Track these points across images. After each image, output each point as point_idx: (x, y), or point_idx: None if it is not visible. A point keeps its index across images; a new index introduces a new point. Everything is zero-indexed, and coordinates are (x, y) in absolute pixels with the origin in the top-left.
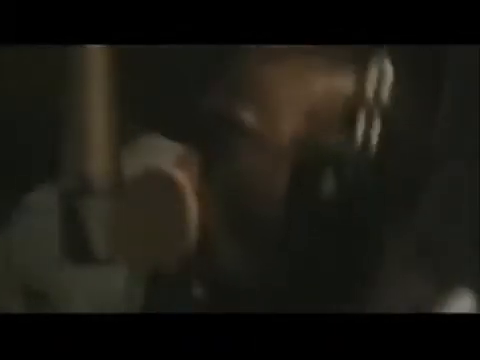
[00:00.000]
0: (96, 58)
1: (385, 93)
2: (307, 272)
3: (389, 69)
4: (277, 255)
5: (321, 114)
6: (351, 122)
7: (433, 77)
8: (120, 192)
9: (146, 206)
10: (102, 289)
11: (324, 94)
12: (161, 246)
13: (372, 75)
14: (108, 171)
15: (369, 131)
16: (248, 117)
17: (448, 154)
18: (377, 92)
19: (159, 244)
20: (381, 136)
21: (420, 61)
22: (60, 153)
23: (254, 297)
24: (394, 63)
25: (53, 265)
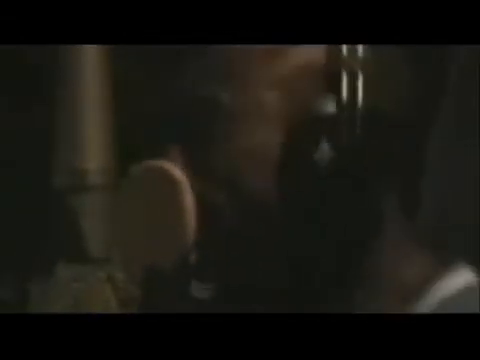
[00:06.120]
0: (92, 57)
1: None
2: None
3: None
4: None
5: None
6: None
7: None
8: (117, 189)
9: (145, 203)
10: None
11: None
12: (159, 243)
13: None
14: (104, 168)
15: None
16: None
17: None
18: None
19: (158, 241)
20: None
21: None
22: (56, 150)
23: (255, 295)
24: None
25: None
